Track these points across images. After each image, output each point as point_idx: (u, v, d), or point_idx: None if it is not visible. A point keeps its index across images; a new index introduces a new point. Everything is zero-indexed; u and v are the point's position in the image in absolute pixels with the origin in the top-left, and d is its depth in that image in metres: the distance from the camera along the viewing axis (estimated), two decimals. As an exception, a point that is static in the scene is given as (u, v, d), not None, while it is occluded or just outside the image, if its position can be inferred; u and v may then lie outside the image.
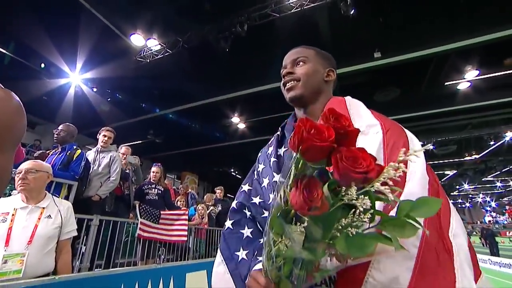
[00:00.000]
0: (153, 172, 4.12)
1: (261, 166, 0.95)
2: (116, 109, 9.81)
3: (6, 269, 1.46)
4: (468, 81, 8.22)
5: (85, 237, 2.85)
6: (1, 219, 1.58)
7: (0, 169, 0.52)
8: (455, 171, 19.54)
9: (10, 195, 2.24)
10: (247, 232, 0.85)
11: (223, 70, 7.98)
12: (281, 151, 0.92)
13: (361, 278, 0.52)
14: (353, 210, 0.38)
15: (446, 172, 20.31)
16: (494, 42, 6.24)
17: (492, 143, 12.74)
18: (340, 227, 0.39)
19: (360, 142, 0.65)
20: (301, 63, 0.91)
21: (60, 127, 3.10)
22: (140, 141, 12.40)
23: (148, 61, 7.69)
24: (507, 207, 36.56)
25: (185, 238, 3.95)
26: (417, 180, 0.58)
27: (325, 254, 0.43)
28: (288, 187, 0.45)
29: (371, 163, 0.37)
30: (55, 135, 3.07)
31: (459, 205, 39.89)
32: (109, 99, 9.51)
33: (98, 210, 3.13)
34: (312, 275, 0.47)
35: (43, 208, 1.73)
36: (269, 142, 1.00)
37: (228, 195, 9.56)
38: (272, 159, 0.90)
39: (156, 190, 4.02)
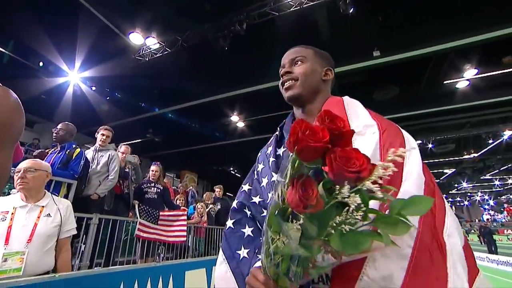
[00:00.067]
0: (152, 171, 4.12)
1: (260, 166, 0.96)
2: (115, 108, 9.80)
3: (6, 267, 1.47)
4: (467, 79, 8.24)
5: (84, 236, 2.85)
6: (1, 218, 1.59)
7: None
8: (453, 170, 19.62)
9: (9, 194, 2.25)
10: (248, 231, 0.87)
11: (222, 68, 7.98)
12: (280, 151, 0.93)
13: (356, 276, 0.53)
14: (347, 208, 0.39)
15: (445, 171, 20.39)
16: (493, 41, 6.26)
17: (490, 141, 12.81)
18: (334, 225, 0.40)
19: (357, 142, 0.66)
20: (299, 62, 0.91)
21: (59, 126, 3.10)
22: (139, 140, 12.40)
23: (147, 59, 7.67)
24: (505, 205, 36.76)
25: (184, 239, 3.95)
26: (413, 180, 0.59)
27: (320, 251, 0.44)
28: (285, 186, 0.46)
29: (364, 162, 0.38)
30: (54, 134, 3.07)
31: (458, 203, 40.07)
32: (108, 98, 9.50)
33: (97, 209, 3.14)
34: (308, 271, 0.48)
35: (43, 206, 1.74)
36: (268, 142, 1.01)
37: (227, 193, 9.58)
38: (271, 159, 0.91)
39: (155, 188, 4.03)
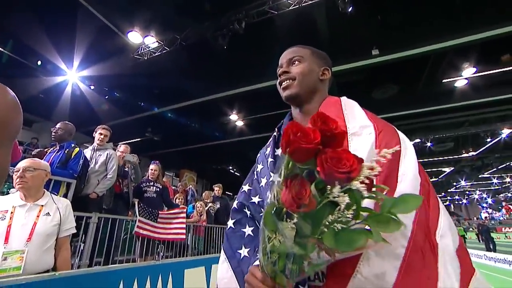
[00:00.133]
0: (151, 169, 4.12)
1: (259, 167, 0.97)
2: (113, 107, 9.79)
3: (5, 266, 1.48)
4: (465, 78, 8.26)
5: (84, 234, 2.86)
6: (0, 217, 1.60)
7: None
8: (452, 168, 19.69)
9: (8, 193, 2.25)
10: (248, 230, 0.88)
11: (221, 67, 7.97)
12: (278, 151, 0.94)
13: (350, 273, 0.54)
14: (338, 207, 0.40)
15: (444, 169, 20.46)
16: (492, 40, 6.27)
17: (489, 140, 12.85)
18: (327, 223, 0.41)
19: (354, 143, 0.67)
20: (296, 62, 0.92)
21: (57, 125, 3.10)
22: (138, 139, 12.39)
23: (146, 58, 7.65)
24: (503, 203, 36.94)
25: (183, 236, 3.97)
26: (408, 181, 0.61)
27: (314, 249, 0.45)
28: (279, 186, 0.47)
29: (354, 163, 0.39)
30: (53, 133, 3.07)
31: (456, 202, 40.26)
32: (106, 97, 9.48)
33: (96, 208, 3.15)
34: (303, 269, 0.49)
35: (42, 205, 1.74)
36: (267, 143, 1.02)
37: (226, 192, 9.60)
38: (270, 160, 0.92)
39: (154, 187, 4.03)
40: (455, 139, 13.19)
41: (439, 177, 22.77)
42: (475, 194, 35.58)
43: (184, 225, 3.99)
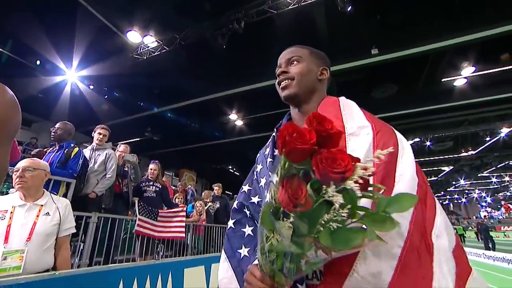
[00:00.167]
0: (151, 169, 4.12)
1: (259, 167, 0.98)
2: (113, 107, 9.77)
3: (5, 266, 1.48)
4: (464, 77, 8.26)
5: (83, 234, 2.86)
6: (0, 217, 1.60)
7: None
8: (451, 167, 19.73)
9: (7, 193, 2.26)
10: (248, 230, 0.89)
11: (220, 67, 7.96)
12: (277, 151, 0.94)
13: (346, 272, 0.55)
14: (333, 206, 0.41)
15: (443, 168, 20.50)
16: (491, 39, 6.27)
17: (488, 139, 12.87)
18: (323, 222, 0.42)
19: (352, 143, 0.68)
20: (295, 62, 0.92)
21: (57, 125, 3.10)
22: (137, 139, 12.38)
23: (145, 58, 7.64)
24: (502, 202, 37.02)
25: (183, 235, 3.97)
26: (406, 182, 0.61)
27: (311, 248, 0.46)
28: (276, 186, 0.48)
29: (349, 163, 0.39)
30: (52, 133, 3.06)
31: (455, 201, 40.34)
32: (106, 97, 9.46)
33: (95, 207, 3.15)
34: (301, 268, 0.49)
35: (41, 205, 1.75)
36: (267, 143, 1.03)
37: (226, 191, 9.60)
38: (269, 160, 0.93)
39: (154, 187, 4.04)
40: (454, 138, 13.22)
41: (439, 176, 22.81)
42: (474, 193, 35.66)
43: (183, 224, 3.99)
